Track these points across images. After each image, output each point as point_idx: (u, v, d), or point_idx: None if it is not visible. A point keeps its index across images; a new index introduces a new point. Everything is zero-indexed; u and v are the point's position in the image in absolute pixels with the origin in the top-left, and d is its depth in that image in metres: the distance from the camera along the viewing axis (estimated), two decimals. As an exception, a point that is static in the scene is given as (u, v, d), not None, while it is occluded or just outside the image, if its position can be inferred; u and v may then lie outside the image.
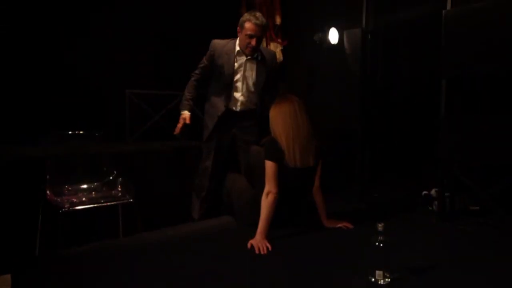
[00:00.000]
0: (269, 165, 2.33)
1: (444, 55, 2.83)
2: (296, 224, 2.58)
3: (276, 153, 2.35)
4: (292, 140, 2.36)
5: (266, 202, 2.28)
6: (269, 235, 2.30)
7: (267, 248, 2.17)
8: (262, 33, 2.80)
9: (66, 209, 2.56)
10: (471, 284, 1.80)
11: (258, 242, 2.20)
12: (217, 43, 2.90)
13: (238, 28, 2.83)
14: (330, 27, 3.81)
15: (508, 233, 2.53)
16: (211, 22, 4.95)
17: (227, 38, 2.97)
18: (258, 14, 2.78)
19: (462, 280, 1.83)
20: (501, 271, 1.95)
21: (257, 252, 2.13)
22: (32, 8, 3.89)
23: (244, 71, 2.88)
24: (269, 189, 2.29)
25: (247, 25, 2.74)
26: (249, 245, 2.20)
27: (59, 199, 2.72)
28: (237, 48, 2.85)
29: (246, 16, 2.79)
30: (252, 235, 2.27)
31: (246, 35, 2.75)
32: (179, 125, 2.92)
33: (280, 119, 2.39)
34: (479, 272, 1.93)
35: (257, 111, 3.03)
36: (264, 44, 4.75)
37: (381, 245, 1.73)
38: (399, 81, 3.98)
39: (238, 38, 2.86)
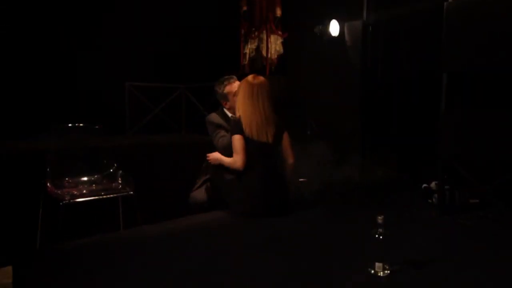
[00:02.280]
0: (236, 139, 2.57)
1: (445, 48, 2.81)
2: (294, 214, 2.60)
3: (237, 127, 2.58)
4: (248, 117, 2.59)
5: (230, 162, 2.60)
6: (266, 226, 2.30)
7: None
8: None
9: (67, 201, 2.57)
10: (471, 277, 1.81)
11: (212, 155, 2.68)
12: (213, 116, 2.96)
13: (223, 102, 2.96)
14: (331, 20, 3.78)
15: (508, 226, 2.54)
16: (211, 15, 4.93)
17: (225, 30, 2.98)
18: (228, 76, 2.94)
19: (461, 273, 1.84)
20: (501, 264, 1.95)
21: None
22: (31, 3, 3.87)
23: None
24: (236, 160, 2.57)
25: (228, 87, 2.90)
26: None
27: (59, 192, 2.72)
28: (229, 114, 2.94)
29: (221, 84, 2.92)
30: (249, 227, 2.28)
31: (234, 95, 2.85)
32: None
33: (241, 97, 2.64)
34: (478, 265, 1.93)
35: None
36: (264, 36, 4.74)
37: (381, 237, 1.73)
38: (399, 74, 3.96)
39: (228, 106, 2.95)
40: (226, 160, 2.65)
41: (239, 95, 2.66)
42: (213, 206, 2.83)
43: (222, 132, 2.88)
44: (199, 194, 2.89)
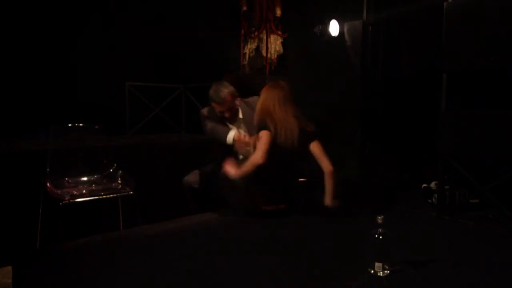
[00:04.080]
0: (265, 133, 2.50)
1: (445, 48, 2.81)
2: (295, 214, 2.60)
3: (266, 125, 2.52)
4: (279, 121, 2.53)
5: (249, 162, 2.46)
6: (266, 226, 2.30)
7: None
8: (222, 108, 2.83)
9: (67, 201, 2.57)
10: (470, 277, 1.81)
11: (232, 169, 2.45)
12: (204, 110, 2.99)
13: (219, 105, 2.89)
14: (331, 19, 3.78)
15: (508, 226, 2.54)
16: (211, 16, 4.93)
17: (226, 31, 2.98)
18: (215, 88, 2.80)
19: (461, 273, 1.84)
20: (501, 264, 1.95)
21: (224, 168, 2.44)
22: (31, 2, 3.87)
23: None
24: (257, 155, 2.45)
25: (213, 104, 2.86)
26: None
27: (59, 192, 2.72)
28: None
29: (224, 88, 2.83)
30: (249, 227, 2.29)
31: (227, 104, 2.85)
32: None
33: (271, 102, 2.57)
34: (478, 265, 1.94)
35: None
36: (264, 36, 4.74)
37: (381, 237, 1.73)
38: (399, 74, 3.96)
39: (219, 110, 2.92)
40: (245, 166, 2.48)
41: (265, 102, 2.59)
42: (206, 192, 2.90)
43: (208, 121, 2.91)
44: (191, 176, 2.99)
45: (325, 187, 2.57)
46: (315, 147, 2.60)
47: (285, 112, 2.56)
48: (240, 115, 2.97)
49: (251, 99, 3.03)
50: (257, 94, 3.04)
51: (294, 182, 2.76)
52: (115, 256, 2.02)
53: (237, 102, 2.91)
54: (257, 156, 2.45)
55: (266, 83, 2.72)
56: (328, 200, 2.56)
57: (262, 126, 2.54)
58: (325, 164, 2.57)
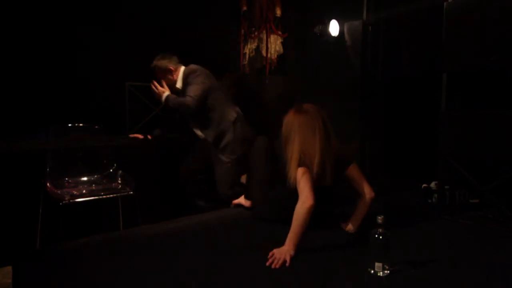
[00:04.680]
0: (302, 172, 2.07)
1: (445, 48, 2.82)
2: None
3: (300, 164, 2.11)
4: (324, 158, 2.13)
5: (300, 210, 1.99)
6: (266, 226, 2.31)
7: (284, 262, 1.88)
8: (156, 75, 3.33)
9: (67, 201, 2.57)
10: (470, 277, 1.81)
11: (281, 253, 1.92)
12: None
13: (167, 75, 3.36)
14: (331, 19, 3.78)
15: (508, 226, 2.54)
16: (211, 15, 4.93)
17: (226, 31, 3.08)
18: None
19: (461, 273, 1.84)
20: (501, 264, 1.95)
21: (267, 264, 1.87)
22: (31, 2, 3.88)
23: None
24: (305, 197, 2.01)
25: (173, 65, 3.33)
26: (270, 253, 1.93)
27: (59, 192, 2.72)
28: None
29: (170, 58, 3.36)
30: (249, 227, 2.28)
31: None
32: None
33: (309, 136, 2.14)
34: (478, 265, 1.94)
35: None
36: (264, 36, 4.74)
37: (381, 237, 1.73)
38: (399, 74, 3.96)
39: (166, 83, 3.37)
40: (300, 219, 1.97)
41: (292, 133, 2.16)
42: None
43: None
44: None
45: (356, 212, 2.33)
46: (352, 172, 2.29)
47: (314, 147, 2.13)
48: (177, 85, 3.28)
49: (188, 67, 3.34)
50: (257, 94, 3.07)
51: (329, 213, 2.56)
52: (115, 256, 2.02)
53: (176, 74, 3.28)
54: (306, 199, 1.99)
55: (293, 107, 2.25)
56: (355, 225, 2.34)
57: (299, 164, 2.11)
58: (367, 190, 2.27)
